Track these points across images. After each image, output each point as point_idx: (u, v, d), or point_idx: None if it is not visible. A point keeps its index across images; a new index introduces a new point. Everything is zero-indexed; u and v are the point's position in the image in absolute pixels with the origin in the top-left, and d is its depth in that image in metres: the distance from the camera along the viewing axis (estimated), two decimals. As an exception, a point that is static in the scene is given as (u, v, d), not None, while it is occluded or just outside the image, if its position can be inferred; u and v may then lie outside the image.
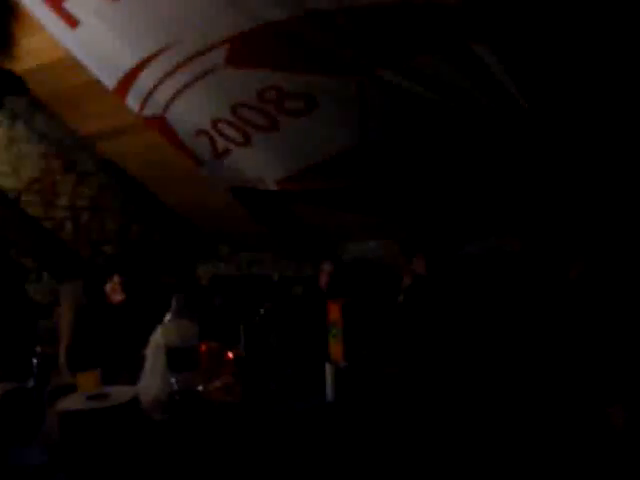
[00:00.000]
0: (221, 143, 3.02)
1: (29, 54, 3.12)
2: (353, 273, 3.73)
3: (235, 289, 4.15)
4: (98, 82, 2.86)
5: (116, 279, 3.03)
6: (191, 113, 2.87)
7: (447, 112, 2.53)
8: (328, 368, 1.82)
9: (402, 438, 1.59)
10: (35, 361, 1.61)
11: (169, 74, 2.65)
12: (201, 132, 3.00)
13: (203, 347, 1.93)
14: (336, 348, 2.08)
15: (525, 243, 3.60)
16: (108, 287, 3.04)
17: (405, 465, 1.50)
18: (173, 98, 2.80)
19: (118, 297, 3.03)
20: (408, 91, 2.44)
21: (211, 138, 3.01)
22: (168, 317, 1.54)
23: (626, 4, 1.93)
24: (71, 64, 2.88)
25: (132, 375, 1.76)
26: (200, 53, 2.48)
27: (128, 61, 2.63)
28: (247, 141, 2.95)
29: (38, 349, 1.68)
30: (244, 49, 2.39)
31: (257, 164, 3.15)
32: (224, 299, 3.99)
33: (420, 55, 2.28)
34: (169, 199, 4.32)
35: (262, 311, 2.09)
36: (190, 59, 2.53)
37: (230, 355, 1.94)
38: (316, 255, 3.96)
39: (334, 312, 2.09)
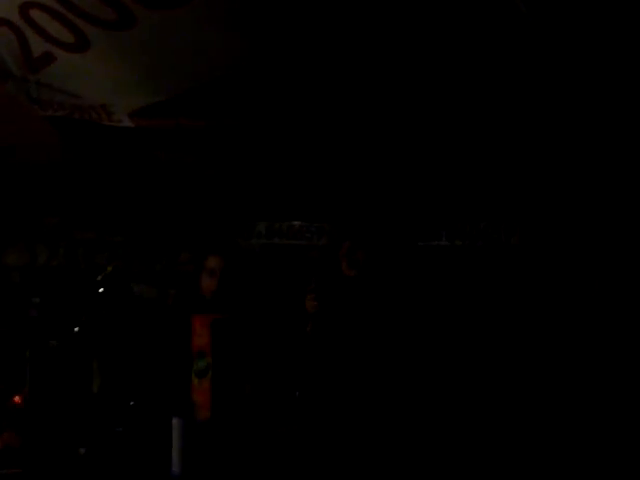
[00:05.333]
0: (37, 43, 1.96)
1: None
2: (256, 272, 2.77)
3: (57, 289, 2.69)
4: None
5: None
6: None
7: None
8: (176, 425, 1.23)
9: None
10: None
11: None
12: (4, 23, 1.91)
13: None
14: (201, 392, 1.37)
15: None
16: None
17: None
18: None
19: None
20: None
21: (20, 33, 1.93)
22: None
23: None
24: None
25: None
26: None
27: None
28: (81, 43, 1.95)
29: None
30: None
31: (100, 81, 2.14)
32: (41, 306, 2.53)
33: None
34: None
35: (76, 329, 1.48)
36: None
37: (18, 400, 1.32)
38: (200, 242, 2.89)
39: (201, 334, 1.44)
